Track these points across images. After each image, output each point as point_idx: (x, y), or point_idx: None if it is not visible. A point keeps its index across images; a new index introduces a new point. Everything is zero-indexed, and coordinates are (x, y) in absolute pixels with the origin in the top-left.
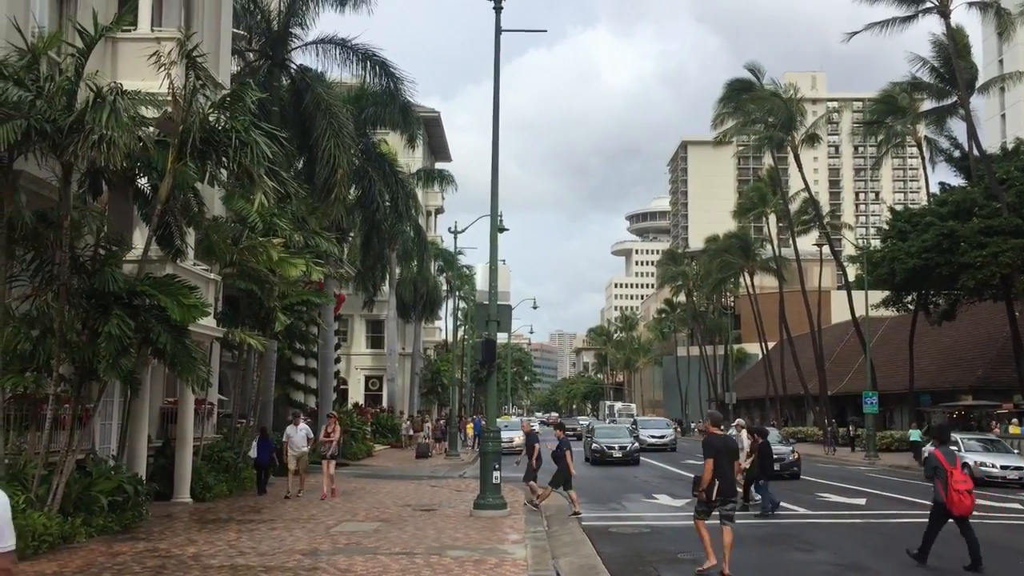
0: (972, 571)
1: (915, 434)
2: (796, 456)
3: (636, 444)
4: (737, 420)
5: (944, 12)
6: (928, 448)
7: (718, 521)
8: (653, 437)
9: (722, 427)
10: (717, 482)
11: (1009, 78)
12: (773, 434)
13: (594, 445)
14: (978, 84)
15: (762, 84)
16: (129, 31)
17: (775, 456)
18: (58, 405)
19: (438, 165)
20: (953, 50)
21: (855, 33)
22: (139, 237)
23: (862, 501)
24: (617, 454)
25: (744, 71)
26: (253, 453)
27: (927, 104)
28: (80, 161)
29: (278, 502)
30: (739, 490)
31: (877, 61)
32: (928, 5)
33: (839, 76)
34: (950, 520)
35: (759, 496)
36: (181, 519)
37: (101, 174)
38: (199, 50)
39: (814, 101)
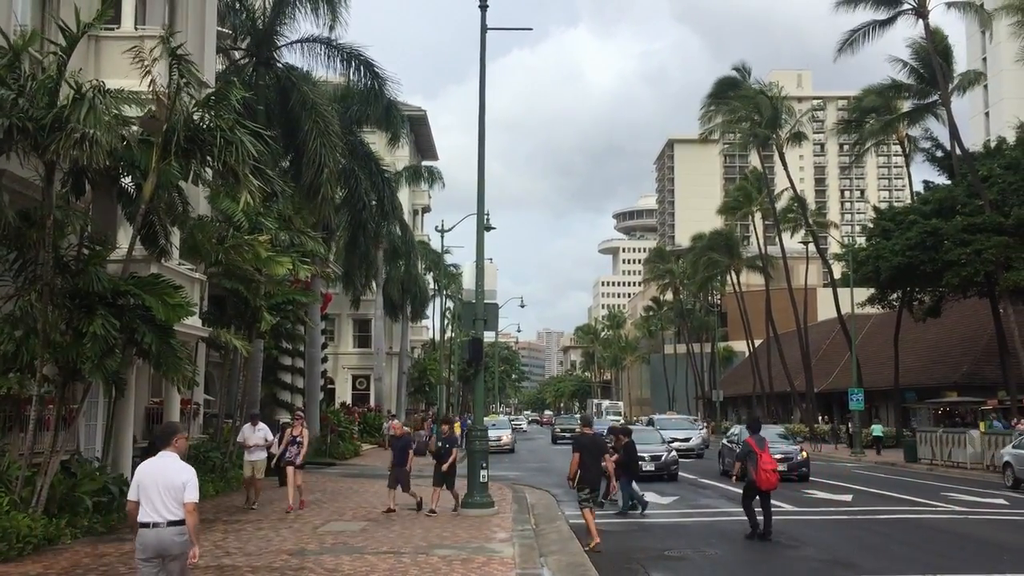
0: (763, 539)
1: (877, 429)
2: (804, 455)
3: (673, 454)
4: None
5: (922, 13)
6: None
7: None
8: (675, 441)
9: (588, 427)
10: (580, 472)
11: (965, 75)
12: (774, 431)
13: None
14: (952, 84)
15: (748, 82)
16: (112, 29)
17: (783, 456)
18: (42, 406)
19: (425, 163)
20: (932, 50)
21: (841, 48)
22: (123, 237)
23: (848, 497)
24: (648, 467)
25: (729, 70)
26: (276, 450)
27: (909, 104)
28: (62, 160)
29: (265, 504)
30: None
31: (863, 58)
32: (906, 7)
33: (824, 74)
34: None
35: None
36: None
37: (84, 173)
38: (183, 48)
39: (800, 99)
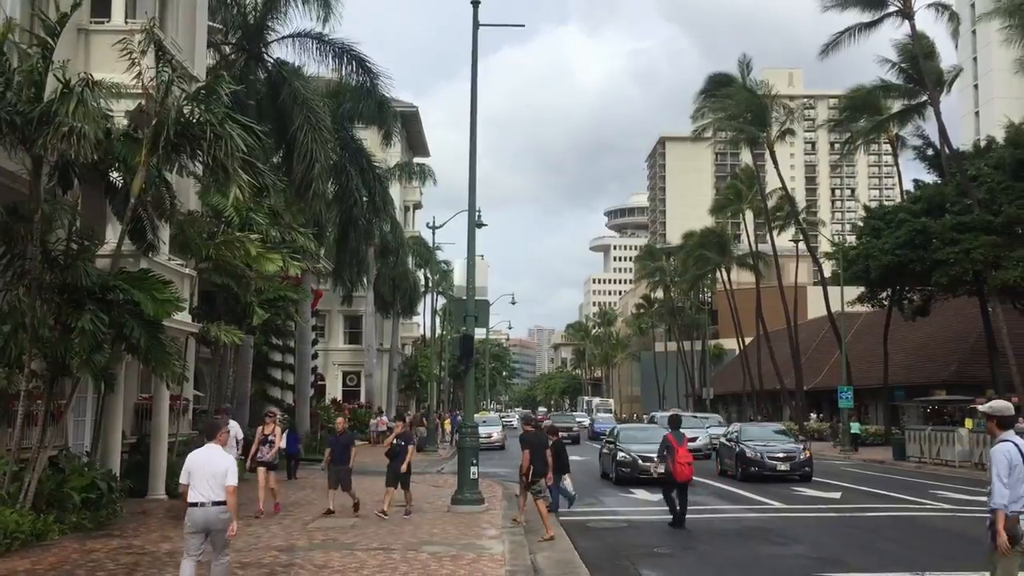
0: (675, 526)
1: (855, 427)
2: (807, 454)
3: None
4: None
5: (908, 14)
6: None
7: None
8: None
9: (531, 426)
10: (532, 467)
11: (951, 72)
12: (771, 428)
13: (620, 456)
14: (945, 80)
15: (744, 80)
16: (103, 23)
17: (785, 455)
18: (30, 401)
19: (417, 160)
20: (920, 52)
21: (826, 49)
22: (112, 232)
23: (837, 495)
24: (660, 469)
25: (718, 68)
26: (283, 444)
27: (899, 104)
28: (50, 154)
29: (247, 504)
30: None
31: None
32: (892, 9)
33: (815, 72)
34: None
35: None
36: (156, 516)
37: (72, 167)
38: (174, 43)
39: (791, 98)
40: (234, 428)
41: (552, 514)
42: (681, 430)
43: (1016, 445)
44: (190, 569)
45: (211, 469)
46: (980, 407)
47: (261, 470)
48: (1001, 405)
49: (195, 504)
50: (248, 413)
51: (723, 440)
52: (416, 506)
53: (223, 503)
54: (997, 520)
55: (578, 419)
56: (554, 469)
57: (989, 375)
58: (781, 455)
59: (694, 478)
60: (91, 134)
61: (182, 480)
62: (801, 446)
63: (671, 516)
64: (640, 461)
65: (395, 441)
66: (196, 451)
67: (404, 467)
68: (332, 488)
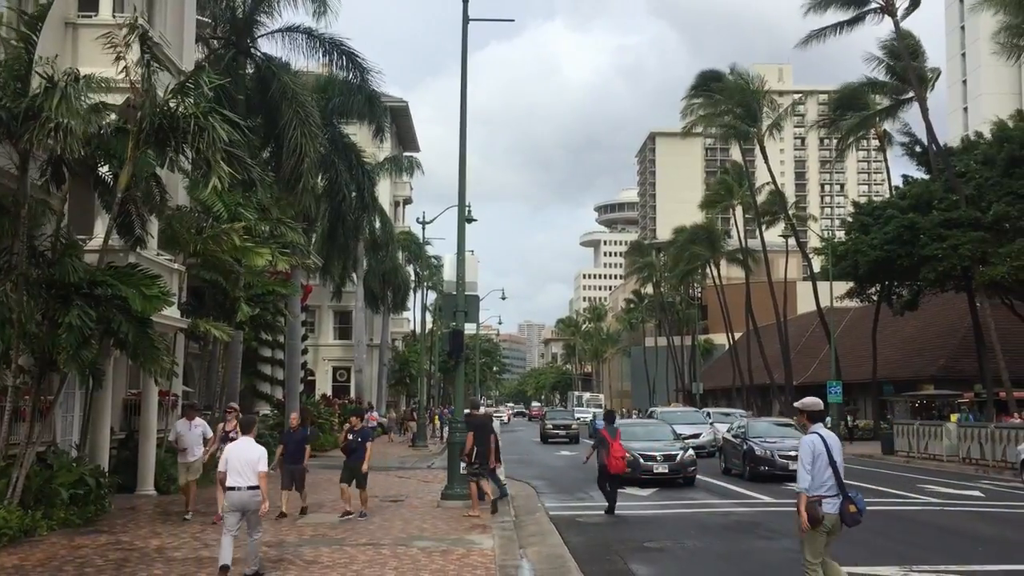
0: (608, 514)
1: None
2: None
3: (690, 453)
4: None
5: (890, 11)
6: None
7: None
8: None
9: (478, 409)
10: (476, 448)
11: (933, 72)
12: (779, 423)
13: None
14: (929, 78)
15: (731, 77)
16: (90, 17)
17: (796, 452)
18: (17, 397)
19: (407, 155)
20: (903, 48)
21: (806, 41)
22: (101, 226)
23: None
24: (660, 468)
25: (706, 65)
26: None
27: (886, 100)
28: (36, 149)
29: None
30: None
31: (844, 51)
32: (874, 6)
33: (804, 68)
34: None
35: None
36: (145, 512)
37: (61, 162)
38: (162, 37)
39: (781, 93)
40: (203, 428)
41: (504, 500)
42: (614, 427)
43: (822, 437)
44: (229, 543)
45: (246, 458)
46: (795, 404)
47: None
48: (810, 401)
49: (232, 488)
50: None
51: (727, 437)
52: (408, 502)
53: (256, 487)
54: (800, 502)
55: (578, 415)
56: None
57: (977, 370)
58: (794, 453)
59: (698, 477)
60: (77, 129)
61: (220, 468)
62: None
63: (607, 504)
64: (641, 460)
65: (351, 437)
66: (233, 443)
67: (365, 466)
68: (286, 488)
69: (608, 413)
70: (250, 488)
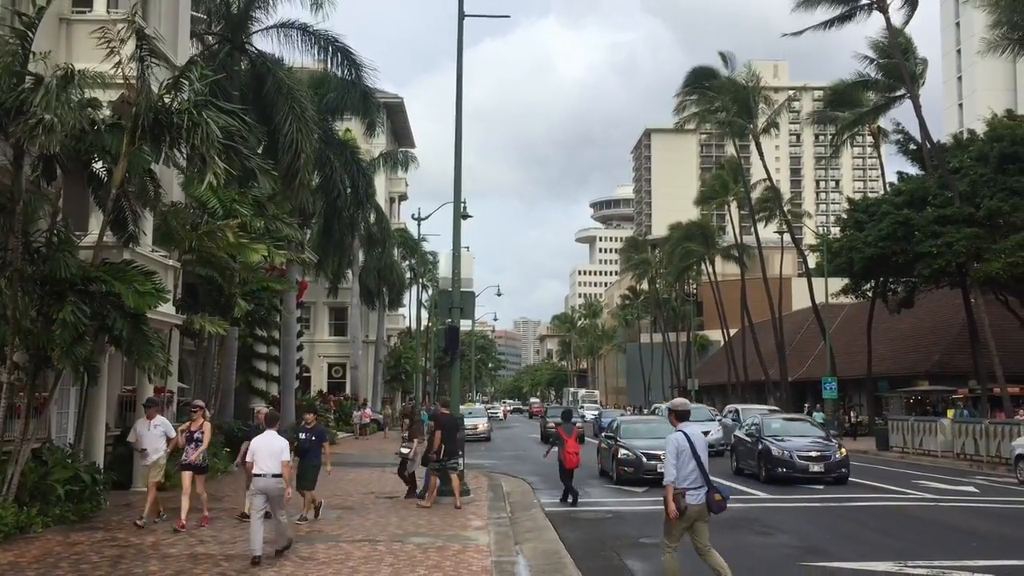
0: (572, 504)
1: (819, 416)
2: (843, 453)
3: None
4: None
5: (882, 7)
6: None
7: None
8: None
9: (448, 408)
10: (444, 446)
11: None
12: (795, 420)
13: (622, 453)
14: (918, 75)
15: (727, 71)
16: (84, 12)
17: (819, 454)
18: (12, 393)
19: (402, 151)
20: (894, 44)
21: (796, 34)
22: (95, 223)
23: (821, 485)
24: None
25: (700, 61)
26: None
27: (880, 97)
28: (30, 144)
29: (241, 492)
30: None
31: (840, 47)
32: (864, 2)
33: (799, 64)
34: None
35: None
36: (140, 508)
37: (54, 158)
38: (156, 32)
39: (776, 90)
40: (165, 427)
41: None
42: (569, 424)
43: (687, 435)
44: (259, 528)
45: (270, 449)
46: (666, 404)
47: (187, 474)
48: (678, 402)
49: (258, 475)
50: (233, 405)
51: (739, 435)
52: (404, 498)
53: (280, 475)
54: (667, 493)
55: (583, 410)
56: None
57: (971, 366)
58: (814, 454)
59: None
60: (58, 126)
61: (248, 458)
62: (835, 443)
63: (569, 496)
64: (645, 459)
65: (302, 436)
66: (259, 436)
67: (328, 468)
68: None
69: (565, 412)
70: (274, 476)
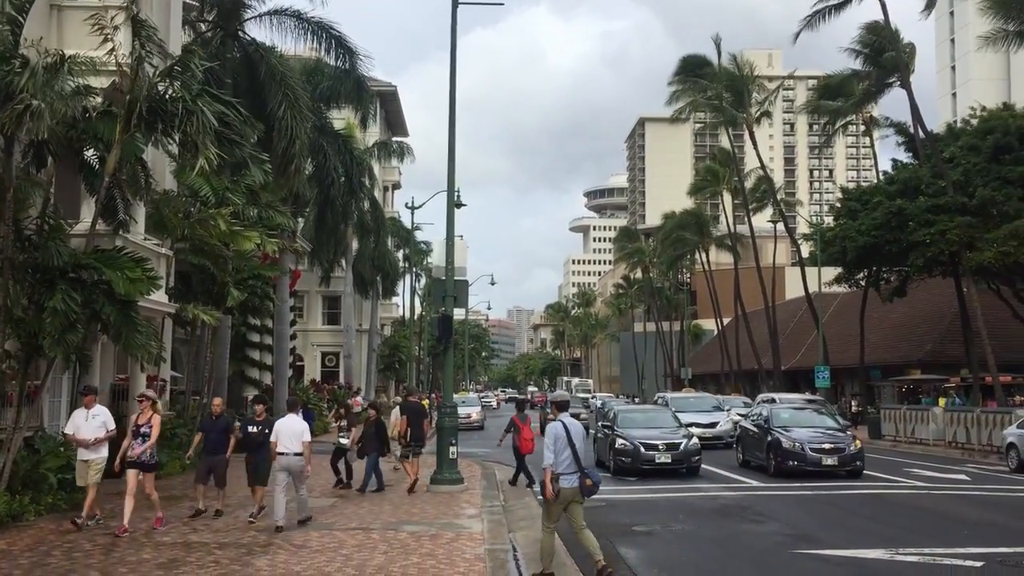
0: (512, 484)
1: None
2: (858, 445)
3: (695, 442)
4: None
5: None
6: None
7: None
8: (696, 426)
9: (415, 396)
10: (410, 430)
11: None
12: (806, 409)
13: (619, 443)
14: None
15: (720, 60)
16: None
17: (832, 446)
18: (4, 382)
19: (395, 139)
20: (888, 34)
21: (798, 33)
22: (88, 210)
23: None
24: (663, 458)
25: (690, 51)
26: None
27: (873, 86)
28: (18, 130)
29: (232, 481)
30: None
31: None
32: None
33: (793, 53)
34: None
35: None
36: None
37: (46, 145)
38: (148, 20)
39: (770, 79)
40: (104, 417)
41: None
42: (524, 414)
43: (564, 425)
44: (282, 501)
45: (292, 431)
46: (549, 396)
47: (132, 472)
48: (559, 394)
49: (281, 454)
50: (227, 393)
51: (746, 426)
52: (397, 487)
53: (300, 454)
54: (545, 476)
55: (582, 396)
56: (375, 447)
57: (964, 355)
58: (828, 446)
59: (712, 469)
60: (46, 112)
61: (272, 439)
62: (849, 434)
63: (527, 480)
64: (643, 450)
65: (254, 429)
66: (282, 419)
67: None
68: (201, 483)
69: (520, 402)
70: (296, 455)
